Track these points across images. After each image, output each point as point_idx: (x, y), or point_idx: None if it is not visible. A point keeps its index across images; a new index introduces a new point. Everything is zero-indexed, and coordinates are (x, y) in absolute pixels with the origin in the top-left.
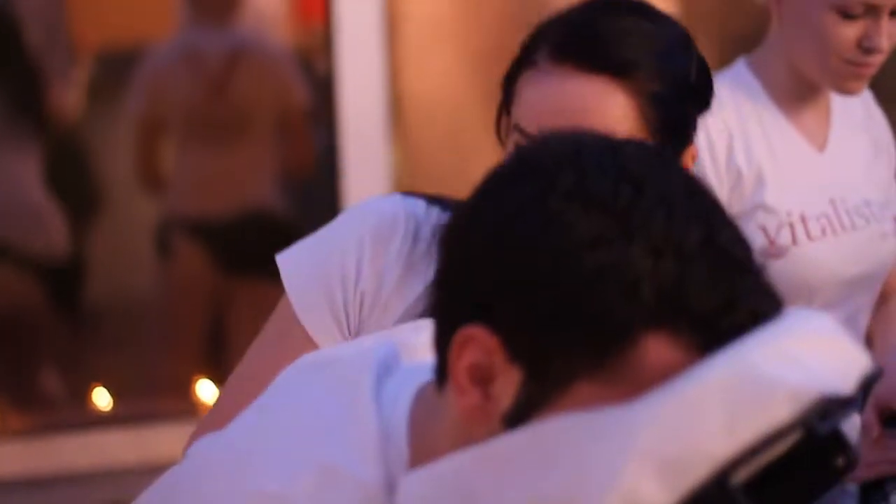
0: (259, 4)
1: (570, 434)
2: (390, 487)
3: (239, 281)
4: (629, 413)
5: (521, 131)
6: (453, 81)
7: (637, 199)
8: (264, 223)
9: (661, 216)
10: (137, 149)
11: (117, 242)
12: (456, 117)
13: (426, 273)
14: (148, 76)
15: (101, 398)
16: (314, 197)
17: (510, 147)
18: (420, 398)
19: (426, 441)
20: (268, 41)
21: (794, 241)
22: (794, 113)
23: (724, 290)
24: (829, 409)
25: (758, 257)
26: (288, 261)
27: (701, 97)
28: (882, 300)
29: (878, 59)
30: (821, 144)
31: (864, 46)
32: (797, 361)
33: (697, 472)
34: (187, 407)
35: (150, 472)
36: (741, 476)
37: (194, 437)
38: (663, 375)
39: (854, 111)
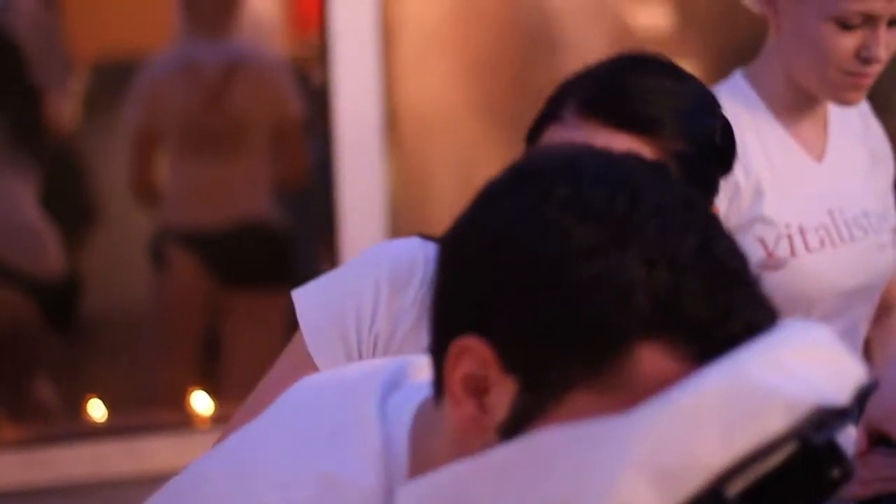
0: (255, 16)
1: (566, 444)
2: (390, 497)
3: (234, 292)
4: (625, 423)
5: None
6: (449, 92)
7: (633, 209)
8: (259, 234)
9: (656, 226)
10: (133, 160)
11: (112, 253)
12: (452, 128)
13: None
14: (144, 87)
15: (97, 409)
16: (309, 208)
17: None
18: (421, 410)
19: (425, 452)
20: (264, 52)
21: (793, 252)
22: (792, 124)
23: (718, 300)
24: (825, 420)
25: (753, 268)
26: (304, 297)
27: (725, 159)
28: (883, 311)
29: (876, 70)
30: (819, 155)
31: (863, 57)
32: (793, 372)
33: (693, 482)
34: (182, 418)
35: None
36: (737, 486)
37: None
38: (659, 385)
39: (851, 122)
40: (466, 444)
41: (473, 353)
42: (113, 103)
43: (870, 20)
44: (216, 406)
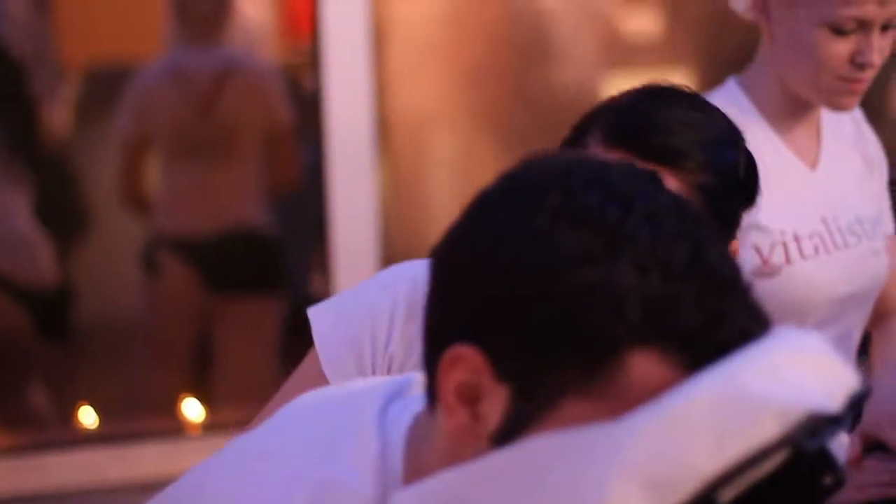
0: (246, 22)
1: (559, 451)
2: (385, 503)
3: (225, 299)
4: (617, 430)
5: None
6: (441, 98)
7: (624, 217)
8: (251, 241)
9: (647, 234)
10: (123, 168)
11: (104, 261)
12: (443, 135)
13: None
14: (136, 95)
15: (88, 416)
16: (301, 215)
17: None
18: (418, 419)
19: (419, 460)
20: (255, 59)
21: (788, 260)
22: (785, 131)
23: (710, 307)
24: (817, 427)
25: (745, 275)
26: (319, 315)
27: (748, 193)
28: (883, 316)
29: (869, 75)
30: (812, 162)
31: (857, 62)
32: (785, 379)
33: (685, 489)
34: (173, 425)
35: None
36: (728, 494)
37: None
38: (651, 392)
39: (844, 128)
40: (460, 452)
41: (466, 361)
42: (105, 111)
43: (863, 25)
44: (207, 413)
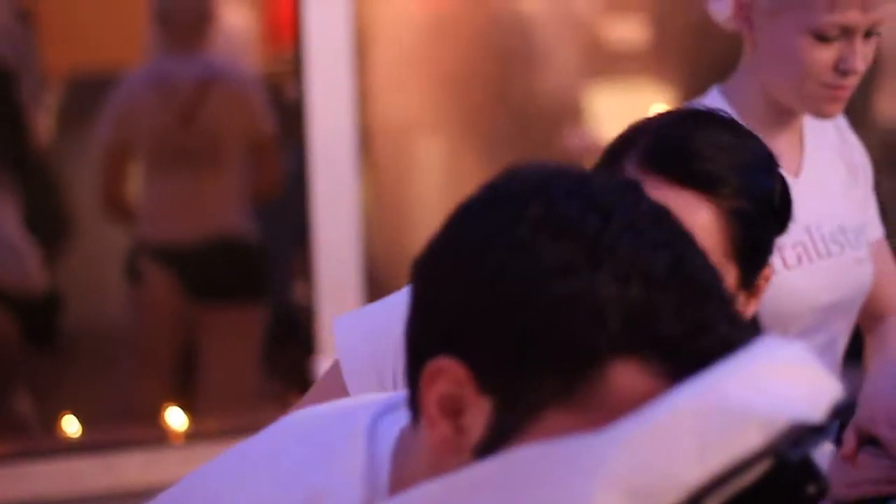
0: (229, 31)
1: (541, 462)
2: None
3: (209, 307)
4: (599, 441)
5: None
6: (423, 107)
7: (604, 227)
8: (234, 249)
9: (628, 244)
10: (104, 176)
11: (87, 269)
12: (426, 143)
13: None
14: (117, 102)
15: (71, 425)
16: (284, 223)
17: None
18: (403, 432)
19: (403, 472)
20: (237, 67)
21: (771, 269)
22: (768, 139)
23: (692, 316)
24: (801, 437)
25: (726, 285)
26: (344, 326)
27: (782, 221)
28: (875, 321)
29: (853, 82)
30: (795, 171)
31: (841, 69)
32: (768, 389)
33: (668, 499)
34: (157, 434)
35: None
36: None
37: None
38: (634, 403)
39: (827, 136)
40: (443, 465)
41: (448, 373)
42: (87, 119)
43: (846, 32)
44: (191, 421)
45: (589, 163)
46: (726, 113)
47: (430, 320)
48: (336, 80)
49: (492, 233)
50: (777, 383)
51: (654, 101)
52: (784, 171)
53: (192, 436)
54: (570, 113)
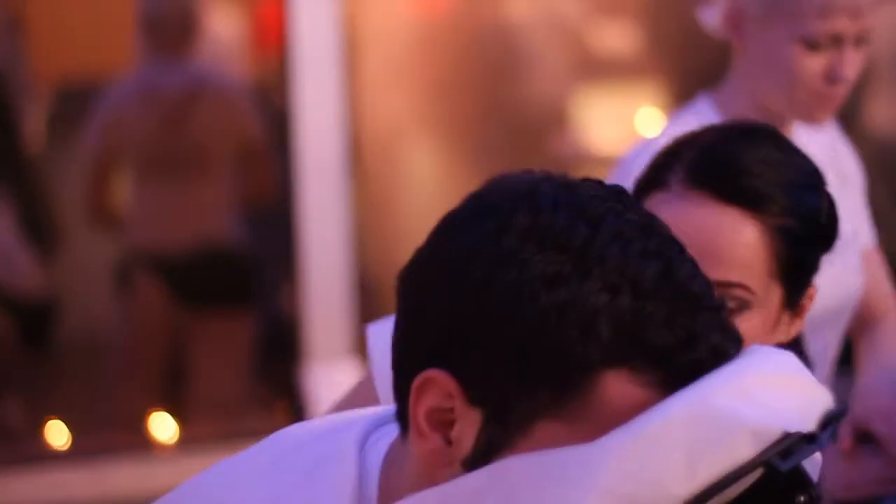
0: (217, 39)
1: (532, 472)
2: None
3: (198, 314)
4: (590, 452)
5: None
6: (412, 114)
7: (593, 236)
8: (223, 257)
9: (616, 253)
10: (90, 184)
11: (76, 276)
12: (415, 150)
13: None
14: (105, 111)
15: (58, 433)
16: (272, 231)
17: None
18: (392, 445)
19: (392, 485)
20: (225, 76)
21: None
22: None
23: (682, 325)
24: (791, 447)
25: (717, 294)
26: (377, 333)
27: (828, 239)
28: (867, 326)
29: (843, 90)
30: None
31: (831, 77)
32: (759, 400)
33: None
34: (144, 442)
35: None
36: None
37: None
38: (625, 413)
39: (817, 145)
40: (432, 477)
41: (437, 386)
42: (76, 126)
43: (836, 40)
44: (180, 430)
45: (579, 169)
46: (773, 129)
47: (417, 332)
48: (325, 88)
49: (478, 243)
50: (768, 393)
51: (643, 108)
52: None
53: (181, 443)
54: (560, 120)
